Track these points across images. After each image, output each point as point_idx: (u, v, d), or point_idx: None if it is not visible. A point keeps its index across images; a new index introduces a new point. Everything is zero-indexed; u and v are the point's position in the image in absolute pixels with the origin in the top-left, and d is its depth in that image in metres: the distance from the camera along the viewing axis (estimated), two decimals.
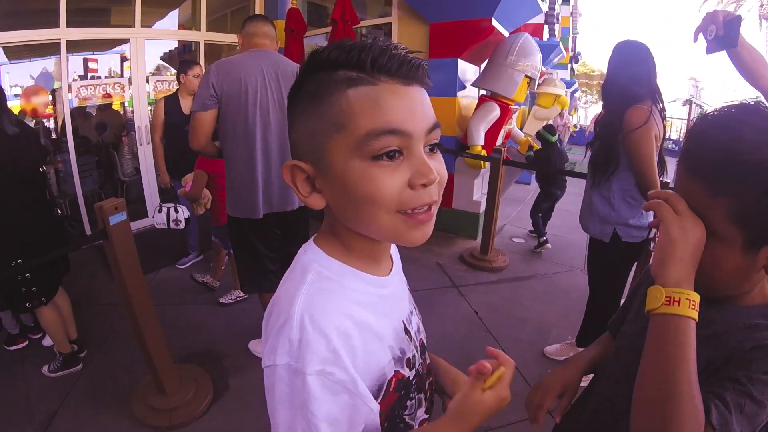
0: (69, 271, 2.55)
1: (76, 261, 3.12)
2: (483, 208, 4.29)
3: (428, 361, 0.79)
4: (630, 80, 2.01)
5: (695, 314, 0.63)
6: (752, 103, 0.65)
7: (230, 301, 3.23)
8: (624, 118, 1.99)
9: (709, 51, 1.69)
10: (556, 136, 4.77)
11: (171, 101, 3.58)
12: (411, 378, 0.68)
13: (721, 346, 0.68)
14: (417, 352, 0.72)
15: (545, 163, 4.83)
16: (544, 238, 4.66)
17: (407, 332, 0.70)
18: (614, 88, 2.07)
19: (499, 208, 4.07)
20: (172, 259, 3.99)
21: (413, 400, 0.69)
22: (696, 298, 0.63)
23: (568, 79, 12.62)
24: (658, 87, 2.04)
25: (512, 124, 4.95)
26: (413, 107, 0.55)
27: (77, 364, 2.48)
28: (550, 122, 5.53)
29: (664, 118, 2.06)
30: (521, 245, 4.80)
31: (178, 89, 3.61)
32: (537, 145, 4.98)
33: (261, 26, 2.22)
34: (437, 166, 0.57)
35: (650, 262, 0.71)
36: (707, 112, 0.68)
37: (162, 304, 3.17)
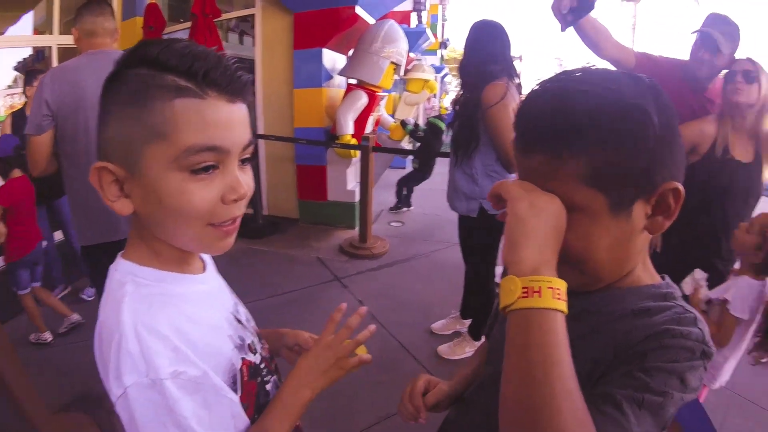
0: None
1: None
2: (358, 197, 4.32)
3: (267, 345, 0.81)
4: (485, 58, 2.09)
5: (562, 305, 0.50)
6: (568, 69, 0.60)
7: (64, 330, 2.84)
8: (482, 95, 2.06)
9: (565, 26, 1.77)
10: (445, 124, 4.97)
11: (19, 117, 3.20)
12: (258, 362, 0.71)
13: (605, 341, 0.57)
14: (255, 337, 0.75)
15: (426, 147, 5.00)
16: (404, 208, 5.44)
17: (239, 321, 0.72)
18: (471, 67, 2.15)
19: (372, 195, 4.12)
20: None
21: (270, 383, 0.73)
22: (561, 285, 0.50)
23: (437, 64, 13.22)
24: (512, 63, 2.15)
25: (381, 111, 5.03)
26: (234, 125, 0.56)
27: None
28: (437, 109, 5.80)
29: (520, 93, 2.16)
30: (399, 228, 4.93)
31: (26, 103, 3.27)
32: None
33: (100, 22, 1.94)
34: (246, 179, 0.59)
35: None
36: (528, 92, 0.61)
37: (30, 349, 2.72)
